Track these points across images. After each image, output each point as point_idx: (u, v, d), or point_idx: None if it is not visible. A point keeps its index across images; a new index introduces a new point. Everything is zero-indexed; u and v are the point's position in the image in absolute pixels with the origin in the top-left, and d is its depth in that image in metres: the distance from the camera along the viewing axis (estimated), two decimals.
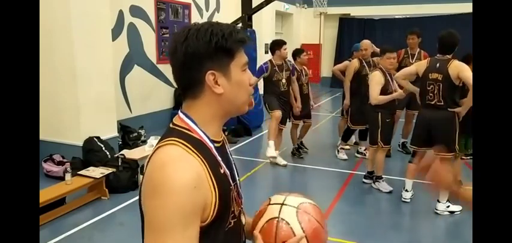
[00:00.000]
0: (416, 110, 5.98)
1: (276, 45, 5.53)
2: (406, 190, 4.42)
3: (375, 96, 4.46)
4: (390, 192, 4.67)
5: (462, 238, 3.74)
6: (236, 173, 1.13)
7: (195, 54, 0.99)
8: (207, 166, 0.98)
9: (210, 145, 1.04)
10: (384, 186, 4.74)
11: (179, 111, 1.09)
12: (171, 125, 1.07)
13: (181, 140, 0.99)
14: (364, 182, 5.05)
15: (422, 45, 5.96)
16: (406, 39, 5.90)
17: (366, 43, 5.76)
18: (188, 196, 0.91)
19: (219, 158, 1.04)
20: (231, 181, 1.07)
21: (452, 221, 4.06)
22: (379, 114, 4.55)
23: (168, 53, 1.05)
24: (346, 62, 6.25)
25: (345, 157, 6.03)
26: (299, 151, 6.20)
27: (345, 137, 6.09)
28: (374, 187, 4.83)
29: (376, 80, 4.51)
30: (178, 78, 1.04)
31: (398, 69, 5.86)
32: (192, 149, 0.98)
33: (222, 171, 1.03)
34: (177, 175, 0.92)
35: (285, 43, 5.58)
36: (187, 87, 1.04)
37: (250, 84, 1.08)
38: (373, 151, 4.82)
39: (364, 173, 5.10)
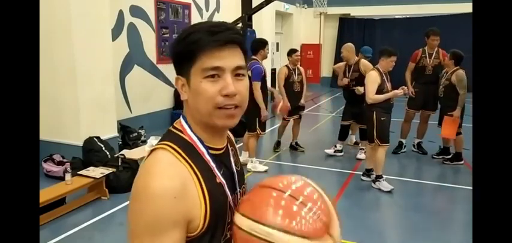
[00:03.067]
0: (432, 111, 6.01)
1: (261, 44, 5.20)
2: None
3: (371, 95, 4.58)
4: (391, 191, 4.67)
5: (462, 238, 3.74)
6: (237, 182, 1.09)
7: (172, 57, 1.02)
8: (198, 174, 0.95)
9: (202, 149, 0.99)
10: (384, 185, 4.74)
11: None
12: (171, 127, 1.06)
13: (172, 144, 0.97)
14: (362, 179, 5.08)
15: (441, 44, 5.96)
16: (428, 39, 5.88)
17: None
18: (166, 206, 0.89)
19: (214, 166, 0.99)
20: (227, 191, 1.02)
21: (453, 221, 4.06)
22: (374, 112, 4.63)
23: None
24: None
25: (331, 152, 6.17)
26: (278, 146, 6.40)
27: (341, 136, 6.19)
28: (374, 186, 4.83)
29: (372, 79, 4.61)
30: None
31: (415, 69, 5.95)
32: (183, 154, 0.95)
33: (218, 181, 0.99)
34: (158, 183, 0.89)
35: (268, 42, 5.41)
36: None
37: (224, 94, 0.95)
38: (370, 149, 4.88)
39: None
